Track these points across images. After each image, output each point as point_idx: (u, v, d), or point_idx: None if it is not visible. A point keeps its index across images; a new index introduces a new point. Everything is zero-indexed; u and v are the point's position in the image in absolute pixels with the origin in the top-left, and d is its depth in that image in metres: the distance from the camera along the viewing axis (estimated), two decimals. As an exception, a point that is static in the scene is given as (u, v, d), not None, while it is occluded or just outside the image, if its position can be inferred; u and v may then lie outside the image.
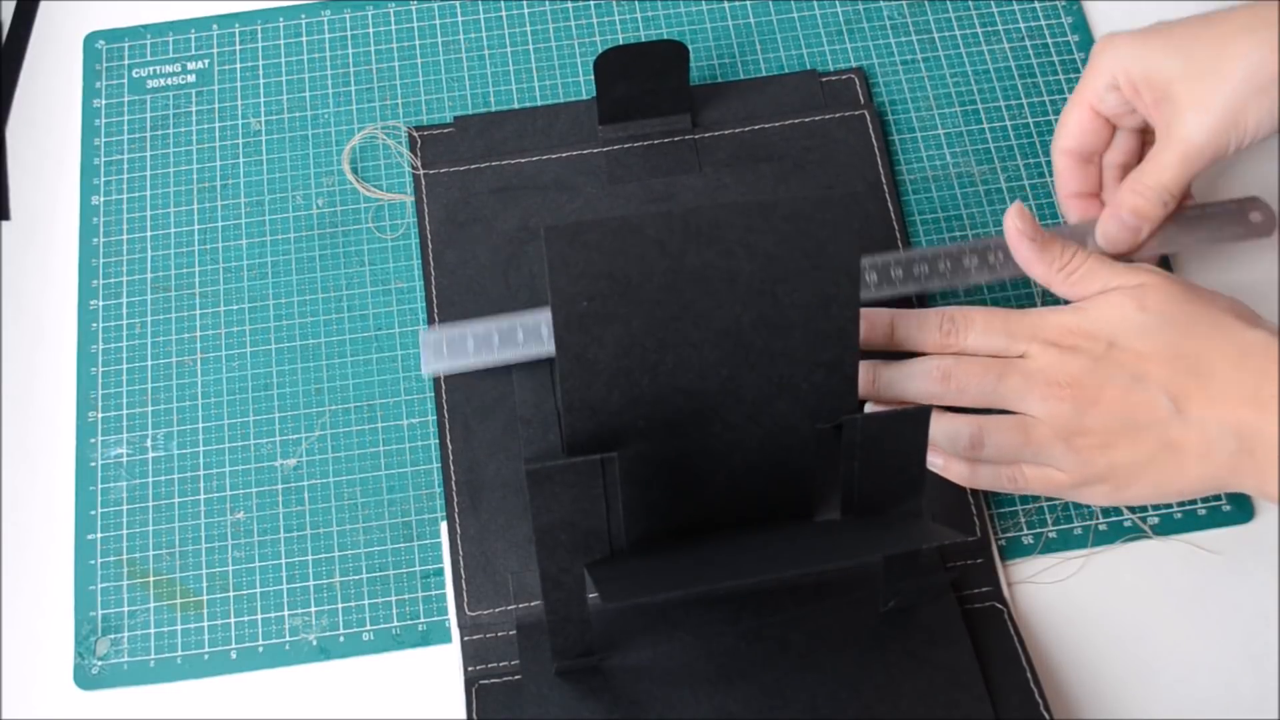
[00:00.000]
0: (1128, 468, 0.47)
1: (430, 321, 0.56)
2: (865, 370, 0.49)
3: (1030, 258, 0.50)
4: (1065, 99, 0.60)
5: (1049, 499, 0.53)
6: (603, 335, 0.44)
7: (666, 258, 0.43)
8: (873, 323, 0.49)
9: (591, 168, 0.58)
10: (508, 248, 0.57)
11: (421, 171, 0.58)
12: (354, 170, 0.59)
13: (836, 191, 0.44)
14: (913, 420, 0.45)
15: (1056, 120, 0.60)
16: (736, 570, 0.42)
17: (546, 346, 0.53)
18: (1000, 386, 0.48)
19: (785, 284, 0.44)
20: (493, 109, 0.60)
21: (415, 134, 0.59)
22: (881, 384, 0.49)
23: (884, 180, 0.58)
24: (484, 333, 0.53)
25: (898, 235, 0.57)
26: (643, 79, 0.57)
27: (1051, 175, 0.58)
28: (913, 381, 0.49)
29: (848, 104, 0.60)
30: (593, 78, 0.57)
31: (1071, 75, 0.61)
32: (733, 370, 0.45)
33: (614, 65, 0.56)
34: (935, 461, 0.50)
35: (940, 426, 0.48)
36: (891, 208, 0.58)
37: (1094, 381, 0.47)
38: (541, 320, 0.53)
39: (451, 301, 0.56)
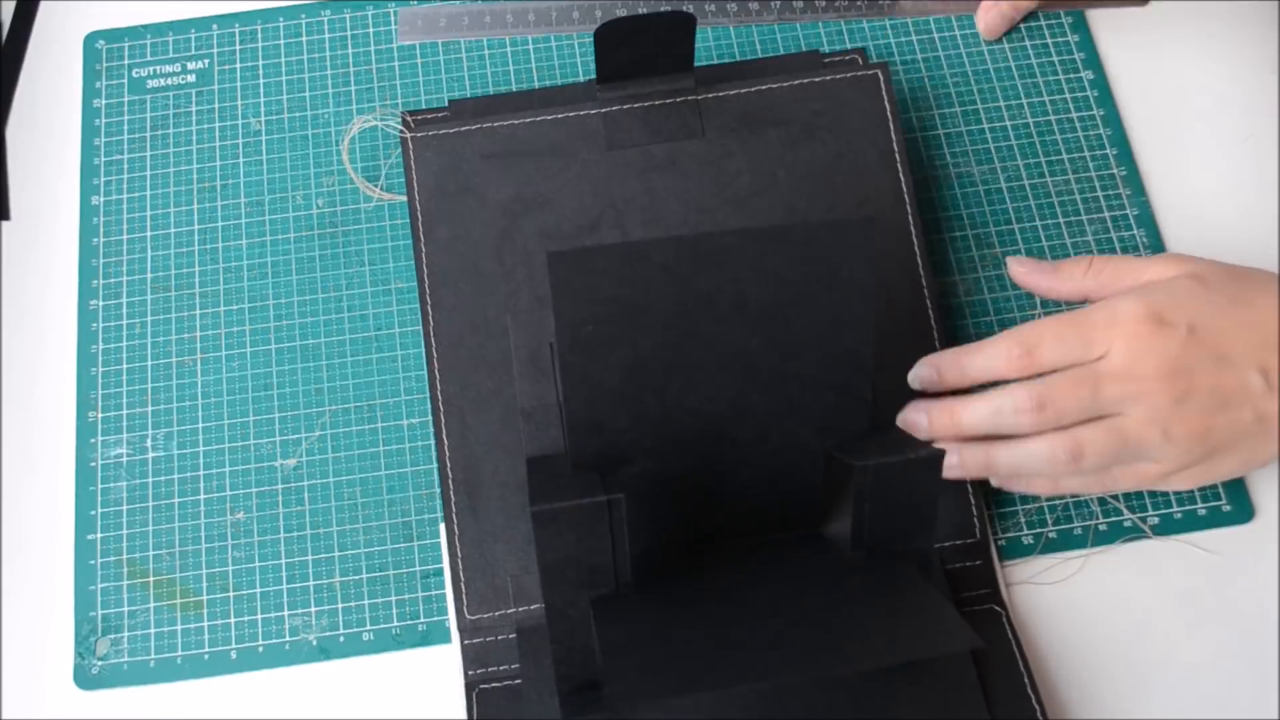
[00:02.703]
0: (1221, 447, 0.47)
1: (423, 307, 0.54)
2: (944, 413, 0.48)
3: (1053, 285, 0.51)
4: (1066, 98, 0.60)
5: (1049, 499, 0.53)
6: (608, 358, 0.43)
7: (674, 283, 0.42)
8: (939, 366, 0.49)
9: (588, 131, 0.56)
10: (501, 220, 0.54)
11: (410, 135, 0.56)
12: (354, 169, 0.59)
13: (853, 216, 0.43)
14: (925, 465, 0.44)
15: (1057, 120, 0.60)
16: (749, 670, 0.40)
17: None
18: (1098, 398, 0.47)
19: (797, 307, 0.44)
20: (492, 107, 0.60)
21: (409, 117, 0.57)
22: (966, 426, 0.48)
23: (896, 146, 0.56)
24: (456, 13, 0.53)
25: (909, 209, 0.55)
26: (646, 46, 0.54)
27: (1051, 175, 0.58)
28: (1002, 417, 0.47)
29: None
30: (594, 77, 0.57)
31: (1072, 75, 0.61)
32: (742, 391, 0.44)
33: (616, 35, 0.53)
34: (1027, 486, 0.50)
35: (1035, 448, 0.47)
36: (903, 176, 0.55)
37: (1184, 369, 0.46)
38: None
39: (444, 282, 0.54)
